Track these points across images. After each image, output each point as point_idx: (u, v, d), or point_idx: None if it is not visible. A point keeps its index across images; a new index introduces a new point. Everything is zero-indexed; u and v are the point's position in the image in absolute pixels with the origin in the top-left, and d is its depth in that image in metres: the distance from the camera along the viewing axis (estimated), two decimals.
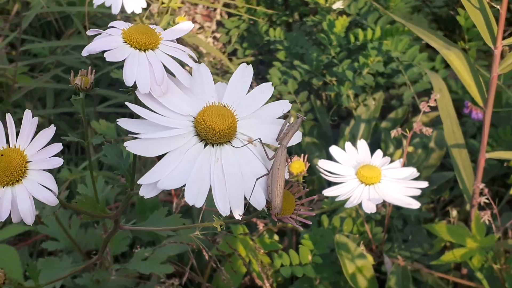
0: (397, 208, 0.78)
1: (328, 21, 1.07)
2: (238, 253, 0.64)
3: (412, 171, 0.62)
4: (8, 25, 1.19)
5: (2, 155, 0.34)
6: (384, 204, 0.73)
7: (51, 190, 0.34)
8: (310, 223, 0.39)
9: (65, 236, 0.61)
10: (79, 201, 0.43)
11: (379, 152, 0.64)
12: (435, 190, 0.86)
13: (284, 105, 0.41)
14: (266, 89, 0.41)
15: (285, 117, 0.41)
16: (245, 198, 0.37)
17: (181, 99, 0.39)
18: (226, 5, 1.41)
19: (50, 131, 0.35)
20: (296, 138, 0.40)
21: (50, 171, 0.36)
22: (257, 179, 0.37)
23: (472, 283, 0.67)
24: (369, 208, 0.58)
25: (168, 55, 0.39)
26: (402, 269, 0.66)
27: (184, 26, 0.41)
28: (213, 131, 0.37)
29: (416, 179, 0.64)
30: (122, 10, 0.70)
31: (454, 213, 0.68)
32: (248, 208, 0.39)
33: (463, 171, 0.70)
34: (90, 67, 0.46)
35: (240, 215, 0.37)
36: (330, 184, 0.63)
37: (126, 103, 0.37)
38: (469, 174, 0.70)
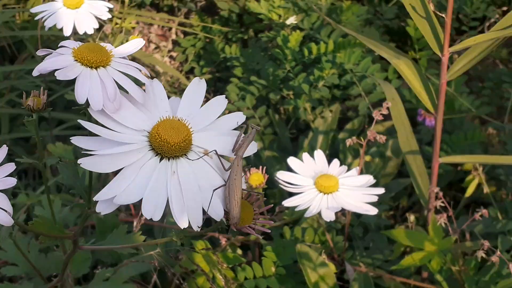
0: (357, 216, 0.79)
1: (282, 37, 1.09)
2: (201, 269, 0.64)
3: (369, 179, 0.63)
4: None
5: None
6: (344, 212, 0.74)
7: (5, 211, 0.34)
8: (269, 231, 0.40)
9: (25, 261, 0.60)
10: (35, 222, 0.42)
11: (336, 162, 0.65)
12: (393, 197, 0.88)
13: (239, 117, 0.42)
14: (220, 101, 0.42)
15: (239, 128, 0.41)
16: (204, 210, 0.38)
17: (134, 115, 0.39)
18: (181, 24, 1.42)
19: (2, 152, 0.35)
20: (252, 148, 0.41)
21: (5, 193, 0.36)
22: (214, 190, 0.38)
23: (433, 286, 0.68)
24: (328, 216, 0.59)
25: (120, 71, 0.39)
26: (364, 275, 0.67)
27: (135, 43, 0.42)
28: (168, 144, 0.37)
29: (374, 186, 0.65)
30: (75, 31, 0.70)
31: (412, 218, 0.70)
32: (208, 221, 0.39)
33: (419, 177, 0.71)
34: (42, 88, 0.46)
35: (198, 227, 0.37)
36: (290, 195, 0.63)
37: (79, 120, 0.37)
38: (425, 180, 0.71)
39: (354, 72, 1.05)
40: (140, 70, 0.40)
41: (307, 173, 0.63)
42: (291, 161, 0.65)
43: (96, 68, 0.38)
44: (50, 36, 1.12)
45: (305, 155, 0.65)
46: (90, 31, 0.69)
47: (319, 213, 0.61)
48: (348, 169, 0.67)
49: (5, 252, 0.61)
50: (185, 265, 0.65)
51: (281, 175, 0.63)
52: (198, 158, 0.39)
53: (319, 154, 0.65)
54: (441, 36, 0.61)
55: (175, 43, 1.42)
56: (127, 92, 0.39)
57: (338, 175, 0.63)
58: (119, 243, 0.51)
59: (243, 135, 0.40)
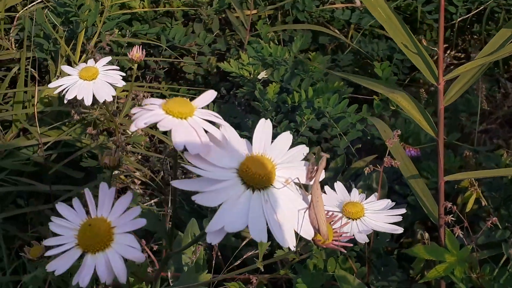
0: (368, 244, 0.85)
1: (259, 90, 1.16)
2: None
3: (388, 202, 0.69)
4: None
5: (89, 225, 0.38)
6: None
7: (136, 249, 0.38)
8: (351, 245, 0.45)
9: None
10: (131, 265, 0.46)
11: (355, 191, 0.71)
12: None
13: (304, 149, 0.47)
14: (287, 136, 0.47)
15: (306, 158, 0.47)
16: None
17: (222, 155, 0.44)
18: (151, 87, 1.47)
19: (129, 197, 0.39)
20: (323, 175, 0.46)
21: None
22: (302, 211, 0.43)
23: None
24: (362, 238, 0.64)
25: (203, 119, 0.44)
26: None
27: (209, 94, 0.47)
28: (259, 176, 0.43)
29: None
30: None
31: (426, 235, 0.76)
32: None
33: (424, 197, 0.78)
34: (114, 147, 0.50)
35: (294, 246, 0.42)
36: None
37: (188, 167, 0.42)
38: (430, 200, 0.78)
39: (331, 115, 1.13)
40: (216, 117, 0.45)
41: (332, 202, 0.69)
42: None
43: (185, 119, 0.43)
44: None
45: (327, 188, 0.71)
46: (110, 99, 0.73)
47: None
48: None
49: None
50: None
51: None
52: (283, 187, 0.44)
53: (339, 185, 0.71)
54: (434, 68, 0.69)
55: None
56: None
57: (360, 201, 0.69)
58: (188, 283, 0.54)
59: (309, 164, 0.46)
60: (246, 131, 1.17)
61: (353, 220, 0.67)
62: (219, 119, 0.45)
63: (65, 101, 0.73)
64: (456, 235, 0.70)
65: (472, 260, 0.73)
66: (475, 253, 0.77)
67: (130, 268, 0.47)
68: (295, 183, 0.45)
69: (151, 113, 0.43)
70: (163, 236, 0.49)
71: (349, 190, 0.72)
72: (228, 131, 0.46)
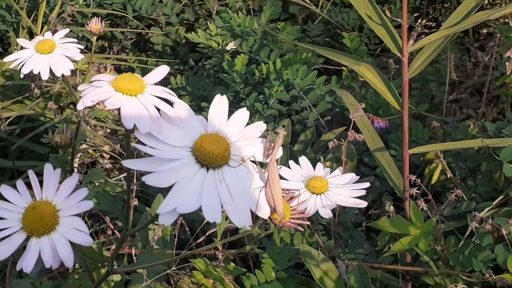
0: (334, 217, 0.85)
1: (227, 61, 1.14)
2: (208, 278, 0.67)
3: (352, 175, 0.69)
4: None
5: (34, 208, 0.36)
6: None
7: (84, 232, 0.37)
8: (308, 223, 0.44)
9: None
10: (84, 248, 0.45)
11: (320, 165, 0.70)
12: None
13: (261, 126, 0.46)
14: (244, 113, 0.46)
15: (263, 136, 0.46)
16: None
17: (175, 134, 0.42)
18: (116, 61, 1.44)
19: (74, 179, 0.38)
20: (280, 152, 0.45)
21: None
22: (260, 191, 0.42)
23: (420, 268, 0.74)
24: (326, 213, 0.64)
25: (154, 96, 0.43)
26: (359, 267, 0.72)
27: (161, 70, 0.45)
28: (213, 155, 0.41)
29: None
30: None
31: (391, 208, 0.76)
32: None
33: (390, 170, 0.78)
34: (64, 125, 0.49)
35: (250, 226, 0.41)
36: None
37: (134, 144, 0.40)
38: (396, 172, 0.77)
39: (301, 87, 1.12)
40: (169, 93, 0.44)
41: (297, 178, 0.68)
42: (281, 169, 0.69)
43: (135, 95, 0.42)
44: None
45: (291, 162, 0.70)
46: (67, 73, 0.71)
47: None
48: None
49: None
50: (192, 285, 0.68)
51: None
52: (238, 165, 0.42)
53: (304, 160, 0.70)
54: (399, 39, 0.68)
55: None
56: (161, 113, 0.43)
57: (325, 176, 0.68)
58: (149, 262, 0.53)
59: (267, 141, 0.45)
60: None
61: (317, 195, 0.66)
62: (172, 96, 0.44)
63: (21, 76, 0.71)
64: (420, 208, 0.70)
65: (437, 232, 0.72)
66: (440, 225, 0.77)
67: (85, 251, 0.46)
68: (252, 162, 0.44)
69: (99, 90, 0.42)
70: (118, 216, 0.47)
71: (317, 163, 0.71)
72: (182, 109, 0.45)
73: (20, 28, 1.11)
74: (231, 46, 1.22)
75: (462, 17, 0.68)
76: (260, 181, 0.43)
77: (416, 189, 0.73)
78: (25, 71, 0.71)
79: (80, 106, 0.41)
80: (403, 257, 0.79)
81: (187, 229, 0.94)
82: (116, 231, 0.78)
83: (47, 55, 0.72)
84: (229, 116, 0.46)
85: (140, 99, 0.42)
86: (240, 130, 0.45)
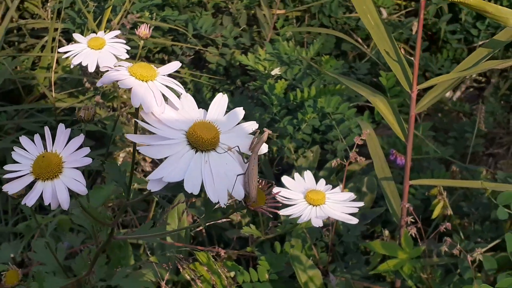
0: (339, 237, 0.90)
1: (268, 85, 1.21)
2: (208, 271, 0.73)
3: (350, 195, 0.74)
4: None
5: (43, 156, 0.44)
6: (328, 229, 0.85)
7: (81, 183, 0.44)
8: (279, 212, 0.50)
9: (53, 261, 0.69)
10: (90, 208, 0.52)
11: (322, 181, 0.76)
12: (369, 224, 0.99)
13: (253, 125, 0.53)
14: (239, 112, 0.53)
15: (254, 133, 0.52)
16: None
17: (174, 118, 0.50)
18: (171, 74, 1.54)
19: (80, 138, 0.45)
20: (264, 148, 0.52)
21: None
22: (237, 176, 0.48)
23: None
24: (317, 223, 0.69)
25: (164, 84, 0.50)
26: (346, 281, 0.77)
27: (173, 64, 0.53)
28: (202, 139, 0.48)
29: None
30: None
31: (386, 232, 0.81)
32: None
33: (392, 199, 0.83)
34: (91, 103, 0.57)
35: (225, 204, 0.48)
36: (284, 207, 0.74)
37: (138, 121, 0.48)
38: (397, 201, 0.82)
39: (333, 117, 1.18)
40: (177, 85, 0.51)
41: (298, 189, 0.74)
42: (285, 179, 0.75)
43: (146, 81, 0.49)
44: (57, 80, 1.22)
45: (296, 175, 0.76)
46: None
47: (308, 229, 0.71)
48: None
49: (36, 253, 0.70)
50: (191, 273, 0.75)
51: (277, 190, 0.73)
52: (224, 152, 0.49)
53: (308, 174, 0.76)
54: (410, 76, 0.74)
55: None
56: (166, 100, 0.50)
57: (324, 191, 0.74)
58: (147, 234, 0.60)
59: (256, 138, 0.51)
60: None
61: (313, 206, 0.72)
62: (180, 88, 0.51)
63: (72, 66, 0.80)
64: (409, 234, 0.75)
65: (425, 263, 0.77)
66: (427, 259, 0.81)
67: (91, 212, 0.53)
68: (240, 153, 0.51)
69: (118, 72, 0.49)
70: (122, 187, 0.55)
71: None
72: (186, 99, 0.52)
73: (85, 30, 1.22)
74: (276, 71, 1.29)
75: (473, 64, 0.73)
76: (241, 168, 0.50)
77: (411, 218, 0.78)
78: (75, 62, 0.80)
79: (99, 83, 0.49)
80: (392, 283, 0.84)
81: (203, 232, 1.01)
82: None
83: (96, 50, 0.81)
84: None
85: (150, 85, 0.49)
86: (233, 125, 0.52)
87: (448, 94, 1.66)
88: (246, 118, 1.25)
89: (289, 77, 1.28)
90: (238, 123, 0.53)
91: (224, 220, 0.79)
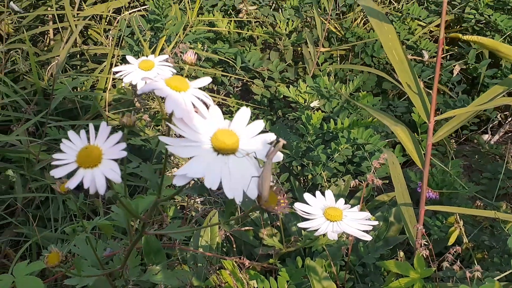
0: (359, 258, 0.95)
1: (306, 115, 1.28)
2: (232, 276, 0.80)
3: (367, 214, 0.80)
4: (30, 108, 1.38)
5: (86, 148, 0.52)
6: (347, 247, 0.91)
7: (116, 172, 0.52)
8: (287, 212, 0.57)
9: (93, 256, 0.77)
10: (127, 202, 0.60)
11: (341, 200, 0.82)
12: (391, 250, 1.03)
13: (271, 136, 0.60)
14: (259, 124, 0.60)
15: (271, 143, 0.59)
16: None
17: (202, 125, 0.57)
18: (219, 103, 1.63)
19: (118, 135, 0.53)
20: (279, 155, 0.59)
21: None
22: (252, 177, 0.55)
23: None
24: (333, 236, 0.75)
25: (195, 96, 0.58)
26: None
27: (204, 79, 0.61)
28: (224, 144, 0.56)
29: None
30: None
31: (401, 254, 0.85)
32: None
33: (409, 224, 0.88)
34: (133, 111, 0.65)
35: (239, 202, 0.55)
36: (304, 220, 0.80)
37: (170, 125, 0.55)
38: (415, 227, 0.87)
39: (366, 149, 1.24)
40: (207, 97, 0.59)
41: (318, 205, 0.80)
42: (307, 196, 0.82)
43: (179, 91, 0.57)
44: (111, 101, 1.33)
45: (318, 193, 0.82)
46: None
47: (327, 246, 0.77)
48: None
49: (77, 248, 0.78)
50: (218, 280, 0.82)
51: (298, 206, 0.79)
52: (242, 156, 0.56)
53: (329, 193, 0.82)
54: (429, 107, 0.80)
55: None
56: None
57: (343, 209, 0.80)
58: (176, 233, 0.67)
59: (272, 146, 0.58)
60: (287, 150, 1.30)
61: (331, 221, 0.78)
62: (209, 100, 0.59)
63: (123, 84, 0.89)
64: (420, 254, 0.80)
65: (437, 286, 0.81)
66: (441, 283, 0.85)
67: (127, 205, 0.61)
68: (256, 158, 0.58)
69: (155, 83, 0.58)
70: (153, 185, 0.62)
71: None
72: (214, 110, 0.60)
73: (140, 56, 1.33)
74: (315, 104, 1.37)
75: (488, 99, 0.79)
76: (256, 171, 0.57)
77: (425, 241, 0.83)
78: (126, 80, 0.89)
79: (140, 91, 0.57)
80: None
81: (234, 246, 1.07)
82: None
83: (146, 71, 0.90)
84: None
85: (182, 95, 0.57)
86: (254, 135, 0.59)
87: (486, 137, 1.70)
88: (284, 147, 1.32)
89: (327, 110, 1.35)
90: (258, 133, 0.60)
91: (247, 229, 0.85)
